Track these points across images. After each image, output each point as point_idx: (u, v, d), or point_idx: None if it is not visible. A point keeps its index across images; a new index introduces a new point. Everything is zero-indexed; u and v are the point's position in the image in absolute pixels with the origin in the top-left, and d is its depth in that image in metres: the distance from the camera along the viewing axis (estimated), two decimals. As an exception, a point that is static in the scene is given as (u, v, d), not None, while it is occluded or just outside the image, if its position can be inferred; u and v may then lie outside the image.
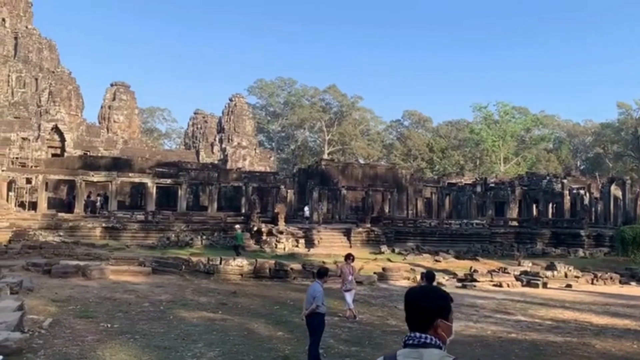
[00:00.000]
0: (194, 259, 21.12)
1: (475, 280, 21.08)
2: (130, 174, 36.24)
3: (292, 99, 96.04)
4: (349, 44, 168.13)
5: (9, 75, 55.92)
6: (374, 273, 22.38)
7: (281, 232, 31.46)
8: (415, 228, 37.16)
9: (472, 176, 57.85)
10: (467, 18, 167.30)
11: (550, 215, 42.19)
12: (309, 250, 30.12)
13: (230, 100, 62.00)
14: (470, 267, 23.92)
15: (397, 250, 31.96)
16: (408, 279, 22.68)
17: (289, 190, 38.62)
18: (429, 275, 10.04)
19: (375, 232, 34.49)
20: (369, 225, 35.05)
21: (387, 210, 40.36)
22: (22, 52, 58.19)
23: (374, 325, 13.19)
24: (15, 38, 58.92)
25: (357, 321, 13.44)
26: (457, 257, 29.64)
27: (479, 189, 43.89)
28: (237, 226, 29.98)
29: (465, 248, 33.38)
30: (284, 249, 30.00)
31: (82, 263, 18.57)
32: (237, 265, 20.52)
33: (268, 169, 55.67)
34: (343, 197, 40.12)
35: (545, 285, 21.07)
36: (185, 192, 36.22)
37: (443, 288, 15.09)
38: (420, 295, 2.54)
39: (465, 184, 47.86)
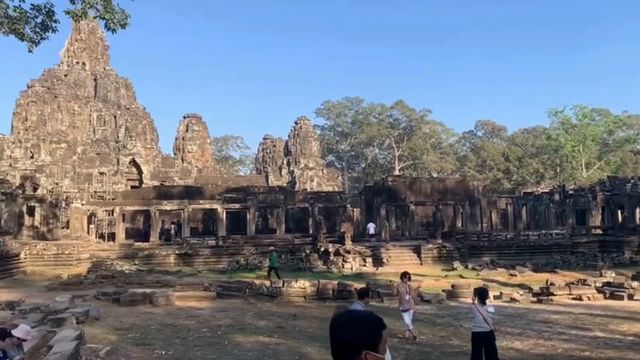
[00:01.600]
0: (257, 282, 21.15)
1: (552, 294, 19.72)
2: (200, 201, 37.29)
3: (360, 118, 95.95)
4: (413, 58, 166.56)
5: (90, 115, 59.51)
6: (443, 291, 21.47)
7: (348, 252, 31.03)
8: (490, 242, 35.59)
9: (550, 184, 54.96)
10: (537, 26, 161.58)
11: (638, 221, 39.18)
12: (377, 269, 29.49)
13: (296, 123, 62.85)
14: (547, 280, 22.45)
15: (470, 265, 30.67)
16: (479, 295, 21.62)
17: (354, 209, 38.30)
18: (480, 292, 9.32)
19: (447, 248, 33.33)
20: (440, 241, 33.95)
21: (459, 225, 39.01)
22: (101, 92, 61.87)
23: (434, 346, 12.54)
24: (95, 79, 62.82)
25: (417, 342, 12.84)
26: (534, 270, 28.03)
27: (557, 197, 41.54)
28: (272, 248, 29.93)
29: (544, 260, 31.55)
30: (352, 268, 29.52)
31: (148, 290, 18.99)
32: (300, 287, 20.32)
33: (336, 189, 55.60)
34: (412, 213, 39.20)
35: (631, 297, 19.36)
36: (253, 216, 36.78)
37: (516, 304, 14.16)
38: (341, 323, 2.14)
39: (542, 192, 45.45)
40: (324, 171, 61.34)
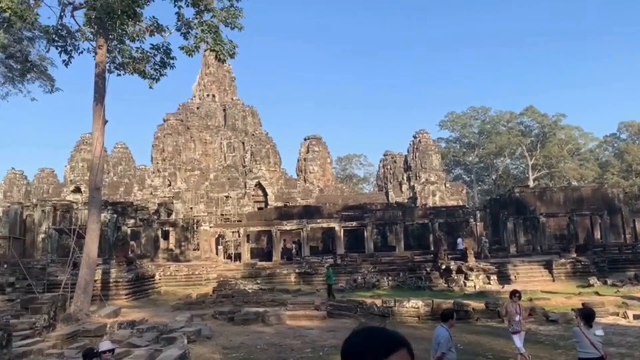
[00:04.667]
0: (368, 301, 20.75)
1: None
2: (318, 220, 37.83)
3: (487, 127, 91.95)
4: (540, 62, 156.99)
5: (220, 143, 63.44)
6: (572, 310, 19.53)
7: (471, 269, 29.48)
8: (635, 254, 32.00)
9: None
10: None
11: None
12: (502, 287, 27.61)
13: (414, 137, 61.69)
14: (701, 299, 19.55)
15: (609, 281, 27.71)
16: (617, 314, 19.38)
17: (478, 223, 36.46)
18: (584, 313, 8.18)
19: (582, 263, 30.50)
20: (574, 255, 31.20)
21: (597, 237, 35.56)
22: (230, 121, 65.80)
23: (549, 373, 11.34)
24: (224, 110, 67.01)
25: (530, 368, 11.70)
26: (688, 287, 24.63)
27: None
28: (328, 264, 29.31)
29: None
30: (474, 286, 27.98)
31: (261, 309, 19.41)
32: (413, 306, 19.63)
33: (461, 203, 53.50)
34: (542, 226, 36.46)
35: None
36: (371, 234, 36.53)
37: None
38: (345, 342, 1.85)
39: (699, 197, 40.12)
40: (447, 185, 59.39)
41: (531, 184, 76.53)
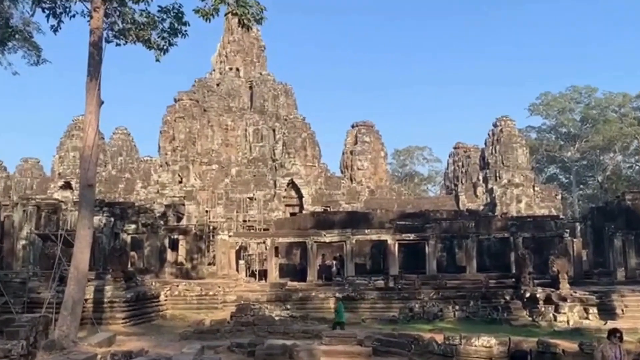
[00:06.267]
0: (426, 336, 20.80)
1: None
2: (366, 231, 37.90)
3: (593, 113, 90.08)
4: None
5: (245, 130, 64.26)
6: (695, 357, 19.11)
7: (564, 299, 29.23)
8: None
9: None
10: None
11: None
12: (605, 323, 27.25)
13: (495, 125, 60.65)
14: None
15: None
16: None
17: (575, 240, 35.86)
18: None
19: None
20: None
21: None
22: (257, 101, 66.55)
23: None
24: (250, 87, 67.84)
25: None
26: None
27: None
28: (338, 295, 30.67)
29: None
30: (567, 321, 27.78)
31: (289, 342, 19.66)
32: (484, 345, 19.55)
33: (554, 212, 52.59)
34: (662, 245, 35.64)
35: None
36: (434, 250, 36.42)
37: None
38: None
39: None
40: (536, 188, 58.55)
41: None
